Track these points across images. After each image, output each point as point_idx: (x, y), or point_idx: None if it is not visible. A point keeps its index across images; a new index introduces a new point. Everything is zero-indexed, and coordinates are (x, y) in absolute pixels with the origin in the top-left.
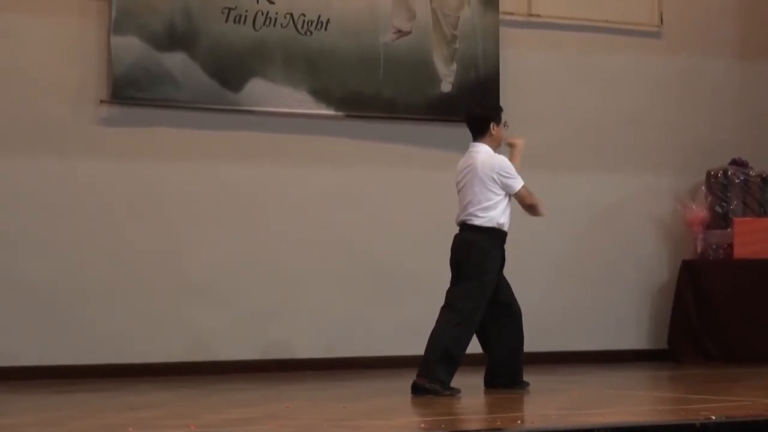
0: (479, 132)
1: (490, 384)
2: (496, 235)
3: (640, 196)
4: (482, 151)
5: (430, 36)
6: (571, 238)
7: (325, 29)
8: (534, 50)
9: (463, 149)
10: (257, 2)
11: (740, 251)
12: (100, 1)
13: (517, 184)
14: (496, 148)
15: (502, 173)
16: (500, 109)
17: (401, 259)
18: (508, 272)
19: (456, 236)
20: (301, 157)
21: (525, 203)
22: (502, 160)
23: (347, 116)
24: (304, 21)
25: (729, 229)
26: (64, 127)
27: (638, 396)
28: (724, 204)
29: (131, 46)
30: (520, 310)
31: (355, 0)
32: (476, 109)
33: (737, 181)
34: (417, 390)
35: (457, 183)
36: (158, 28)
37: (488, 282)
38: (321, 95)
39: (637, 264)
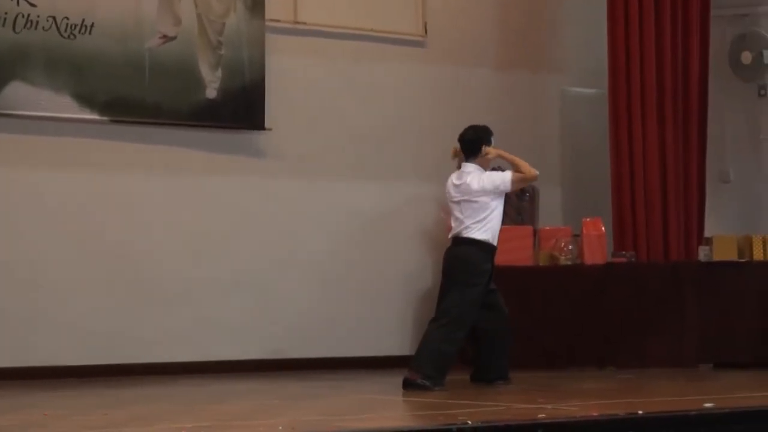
0: (472, 153)
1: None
2: (488, 248)
3: (404, 204)
4: (473, 171)
5: (195, 42)
6: (337, 245)
7: (90, 33)
8: (300, 57)
9: (229, 153)
10: (17, 4)
11: (498, 258)
12: None
13: (507, 175)
14: (486, 168)
15: (493, 183)
16: (490, 132)
17: (165, 265)
18: (276, 278)
19: (449, 249)
20: (65, 162)
21: (523, 180)
22: (489, 175)
23: (112, 121)
24: (67, 24)
25: None
26: None
27: (399, 401)
28: None
29: None
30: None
31: (119, 4)
32: (469, 132)
33: None
34: (408, 385)
35: (451, 198)
36: None
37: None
38: (85, 100)
39: (402, 271)
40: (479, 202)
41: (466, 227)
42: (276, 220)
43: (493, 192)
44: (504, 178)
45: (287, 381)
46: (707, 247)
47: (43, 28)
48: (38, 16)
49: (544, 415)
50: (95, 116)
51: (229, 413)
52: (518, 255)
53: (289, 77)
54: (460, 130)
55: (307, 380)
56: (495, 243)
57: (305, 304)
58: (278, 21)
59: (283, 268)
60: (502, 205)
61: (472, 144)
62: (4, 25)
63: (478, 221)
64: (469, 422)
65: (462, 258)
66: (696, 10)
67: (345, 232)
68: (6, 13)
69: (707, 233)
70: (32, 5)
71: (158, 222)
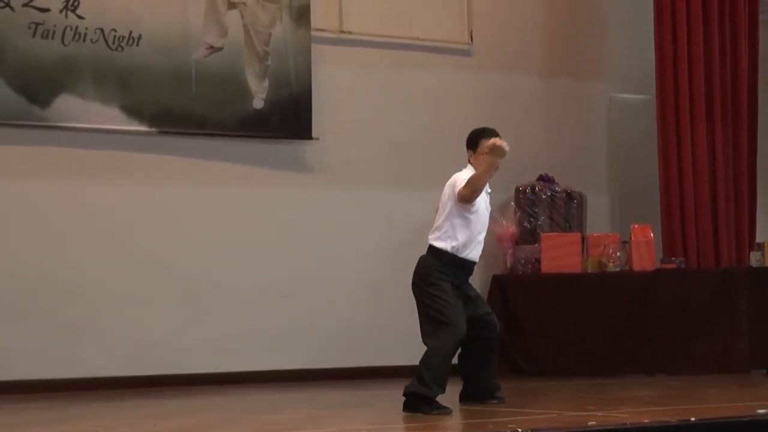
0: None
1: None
2: (444, 257)
3: None
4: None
5: (242, 52)
6: (383, 254)
7: (137, 45)
8: (346, 67)
9: (276, 163)
10: (66, 17)
11: (547, 266)
12: None
13: (466, 174)
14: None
15: (455, 184)
16: (481, 134)
17: (212, 276)
18: (322, 287)
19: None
20: (112, 173)
21: (470, 185)
22: (459, 175)
23: (160, 132)
24: (115, 36)
25: (537, 244)
26: None
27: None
28: (532, 219)
29: None
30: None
31: (166, 16)
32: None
33: (544, 196)
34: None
35: None
36: None
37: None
38: (133, 111)
39: None
40: (441, 205)
41: (431, 231)
42: (322, 230)
43: (452, 194)
44: (464, 177)
45: (333, 390)
46: (759, 253)
47: (91, 40)
48: (86, 29)
49: (594, 423)
50: (143, 128)
51: (277, 423)
52: (566, 262)
53: (336, 86)
54: (506, 138)
55: (354, 389)
56: (462, 254)
57: (351, 314)
58: (324, 30)
59: (329, 277)
60: (468, 213)
61: (468, 141)
62: (53, 37)
63: (436, 227)
64: (519, 430)
65: (417, 267)
66: (744, 14)
67: (391, 240)
68: (55, 26)
69: (759, 239)
70: (80, 18)
71: (205, 232)
